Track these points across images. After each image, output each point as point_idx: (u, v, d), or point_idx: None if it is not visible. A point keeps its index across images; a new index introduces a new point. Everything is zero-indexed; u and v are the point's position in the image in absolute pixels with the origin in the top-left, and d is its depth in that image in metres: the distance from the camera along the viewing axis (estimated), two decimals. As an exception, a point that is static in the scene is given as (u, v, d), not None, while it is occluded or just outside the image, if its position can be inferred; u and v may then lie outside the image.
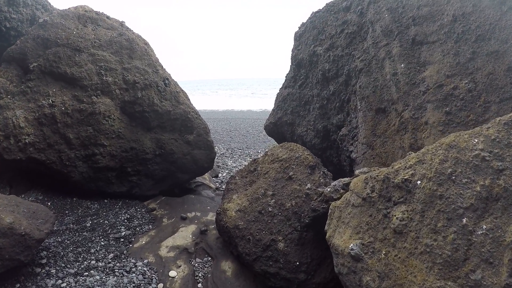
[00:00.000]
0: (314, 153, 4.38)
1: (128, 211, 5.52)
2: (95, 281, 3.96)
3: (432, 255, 2.01)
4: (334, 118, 5.42)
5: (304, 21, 6.54)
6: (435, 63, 3.89)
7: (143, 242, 4.64)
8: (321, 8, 6.15)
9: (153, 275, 4.07)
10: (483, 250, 1.90)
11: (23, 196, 5.73)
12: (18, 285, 3.87)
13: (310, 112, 6.05)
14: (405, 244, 2.10)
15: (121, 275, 4.08)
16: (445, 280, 1.94)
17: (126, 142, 5.57)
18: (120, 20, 6.39)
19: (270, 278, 3.57)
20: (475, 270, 1.88)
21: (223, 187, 7.43)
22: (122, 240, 4.78)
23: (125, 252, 4.51)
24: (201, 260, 4.24)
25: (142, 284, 3.93)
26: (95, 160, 5.44)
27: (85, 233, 4.93)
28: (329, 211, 2.71)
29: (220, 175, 8.54)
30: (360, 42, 4.94)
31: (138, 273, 4.06)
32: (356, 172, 2.85)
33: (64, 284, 3.89)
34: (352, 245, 2.27)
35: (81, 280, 3.99)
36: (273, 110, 7.07)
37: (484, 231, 1.90)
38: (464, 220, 1.94)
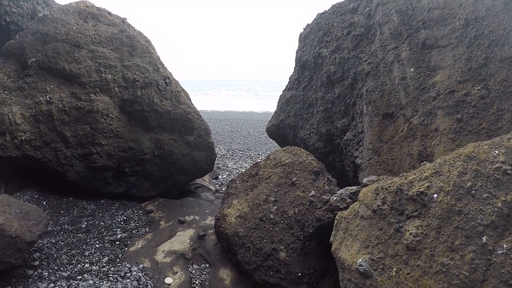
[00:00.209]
0: (316, 157, 4.24)
1: (125, 213, 5.38)
2: (88, 286, 3.83)
3: (448, 275, 1.86)
4: (339, 122, 5.28)
5: (307, 21, 6.43)
6: (446, 68, 3.75)
7: (139, 245, 4.50)
8: (327, 10, 6.03)
9: (148, 281, 3.93)
10: (503, 271, 1.76)
11: (18, 194, 5.61)
12: (9, 287, 3.74)
13: (314, 115, 5.92)
14: (418, 262, 1.95)
15: (115, 280, 3.94)
16: (461, 302, 1.80)
17: (124, 142, 5.43)
18: (122, 17, 6.25)
19: (270, 288, 3.41)
20: (493, 292, 1.74)
21: (223, 189, 7.29)
22: (117, 243, 4.64)
23: (120, 255, 4.37)
24: (198, 267, 4.09)
25: (136, 291, 3.79)
26: (92, 160, 5.30)
27: (80, 235, 4.80)
28: (335, 221, 2.55)
29: (220, 177, 8.39)
30: (368, 44, 4.80)
31: (132, 279, 3.92)
32: (364, 180, 2.70)
33: (56, 288, 3.76)
34: (360, 260, 2.12)
35: (73, 284, 3.86)
36: (275, 112, 6.95)
37: (504, 250, 1.76)
38: (484, 239, 1.80)
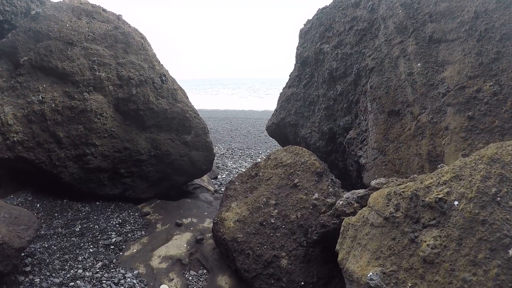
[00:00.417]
0: (318, 156, 4.06)
1: (121, 215, 5.21)
2: (80, 293, 3.66)
3: (470, 292, 1.68)
4: (341, 120, 5.10)
5: (308, 18, 6.25)
6: (455, 63, 3.56)
7: (134, 250, 4.32)
8: (328, 5, 5.85)
9: (143, 288, 3.76)
10: (530, 286, 1.58)
11: (12, 196, 5.47)
12: (-2, 294, 3.59)
13: (315, 113, 5.74)
14: (436, 276, 1.76)
15: (109, 287, 3.77)
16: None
17: (119, 142, 5.24)
18: (118, 14, 6.06)
19: (271, 297, 3.22)
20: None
21: (223, 189, 7.11)
22: (112, 247, 4.47)
23: (114, 261, 4.20)
24: (195, 273, 3.90)
25: (130, 298, 3.62)
26: (86, 161, 5.12)
27: (73, 239, 4.64)
28: (342, 228, 2.36)
29: (219, 176, 8.21)
30: (371, 39, 4.62)
31: (126, 286, 3.75)
32: (372, 183, 2.52)
33: (47, 296, 3.59)
34: (371, 273, 1.93)
35: (65, 291, 3.69)
36: (275, 110, 6.78)
37: (533, 264, 1.58)
38: (511, 252, 1.61)
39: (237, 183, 4.04)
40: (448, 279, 1.71)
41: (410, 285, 1.80)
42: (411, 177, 2.50)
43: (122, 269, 4.03)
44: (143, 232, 4.77)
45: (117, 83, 5.20)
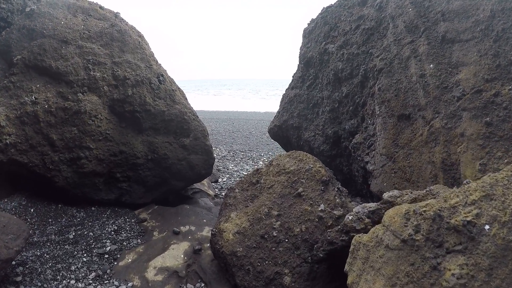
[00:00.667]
0: (321, 161, 3.84)
1: (116, 222, 4.99)
2: (71, 307, 3.45)
3: (500, 328, 1.46)
4: (347, 123, 4.88)
5: (308, 20, 6.04)
6: (470, 64, 3.33)
7: (129, 260, 4.11)
8: (333, 3, 5.64)
9: (137, 302, 3.54)
10: None
11: (5, 200, 5.27)
12: (-14, 307, 3.39)
13: (319, 115, 5.52)
14: (463, 311, 1.54)
15: (101, 300, 3.56)
16: None
17: (115, 145, 5.02)
18: (115, 11, 5.85)
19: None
20: None
21: (223, 193, 6.88)
22: (106, 256, 4.26)
23: (108, 271, 3.99)
24: (192, 287, 3.68)
25: (124, 313, 3.40)
26: (81, 164, 4.91)
27: (67, 246, 4.43)
28: (352, 246, 2.14)
29: (220, 180, 7.98)
30: (379, 39, 4.40)
31: (120, 300, 3.53)
32: (385, 196, 2.30)
33: (36, 310, 3.39)
34: (387, 304, 1.71)
35: (56, 304, 3.49)
36: (278, 112, 6.56)
37: None
38: (552, 285, 1.40)
39: (237, 190, 3.82)
40: (478, 316, 1.49)
41: (433, 320, 1.57)
42: (427, 189, 2.28)
43: (116, 280, 3.82)
44: (139, 240, 4.56)
45: (113, 83, 4.98)
